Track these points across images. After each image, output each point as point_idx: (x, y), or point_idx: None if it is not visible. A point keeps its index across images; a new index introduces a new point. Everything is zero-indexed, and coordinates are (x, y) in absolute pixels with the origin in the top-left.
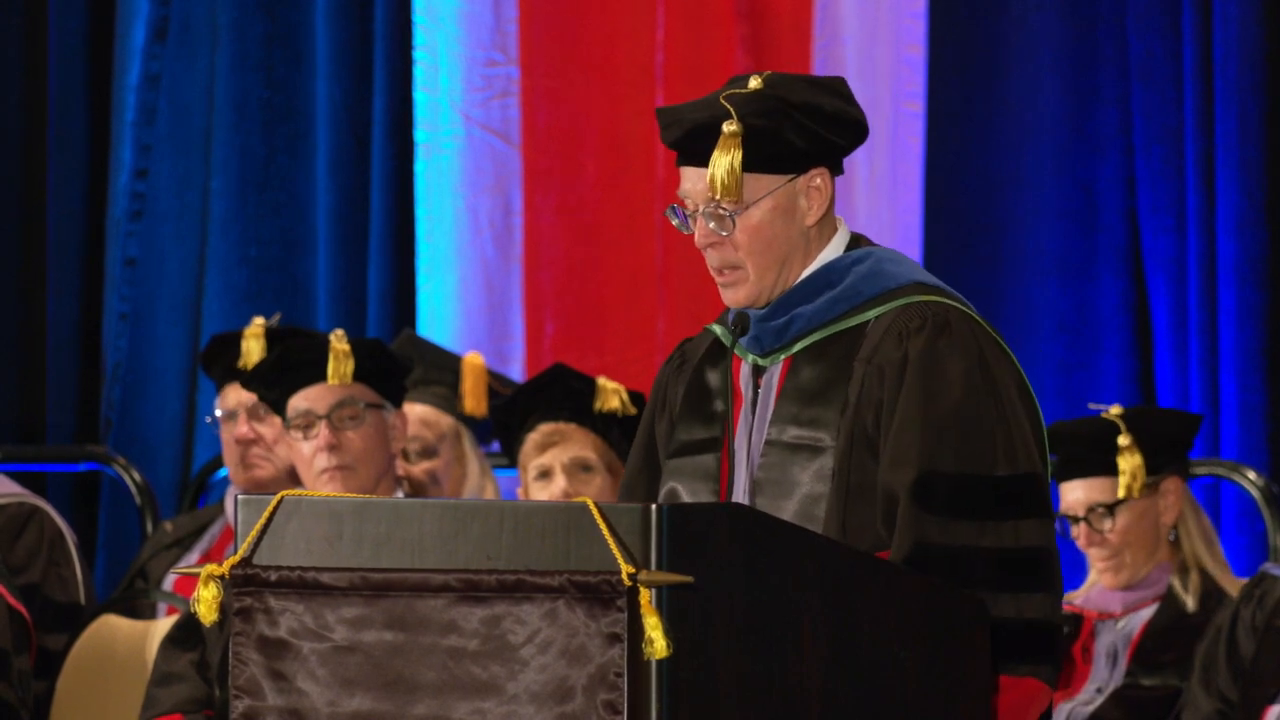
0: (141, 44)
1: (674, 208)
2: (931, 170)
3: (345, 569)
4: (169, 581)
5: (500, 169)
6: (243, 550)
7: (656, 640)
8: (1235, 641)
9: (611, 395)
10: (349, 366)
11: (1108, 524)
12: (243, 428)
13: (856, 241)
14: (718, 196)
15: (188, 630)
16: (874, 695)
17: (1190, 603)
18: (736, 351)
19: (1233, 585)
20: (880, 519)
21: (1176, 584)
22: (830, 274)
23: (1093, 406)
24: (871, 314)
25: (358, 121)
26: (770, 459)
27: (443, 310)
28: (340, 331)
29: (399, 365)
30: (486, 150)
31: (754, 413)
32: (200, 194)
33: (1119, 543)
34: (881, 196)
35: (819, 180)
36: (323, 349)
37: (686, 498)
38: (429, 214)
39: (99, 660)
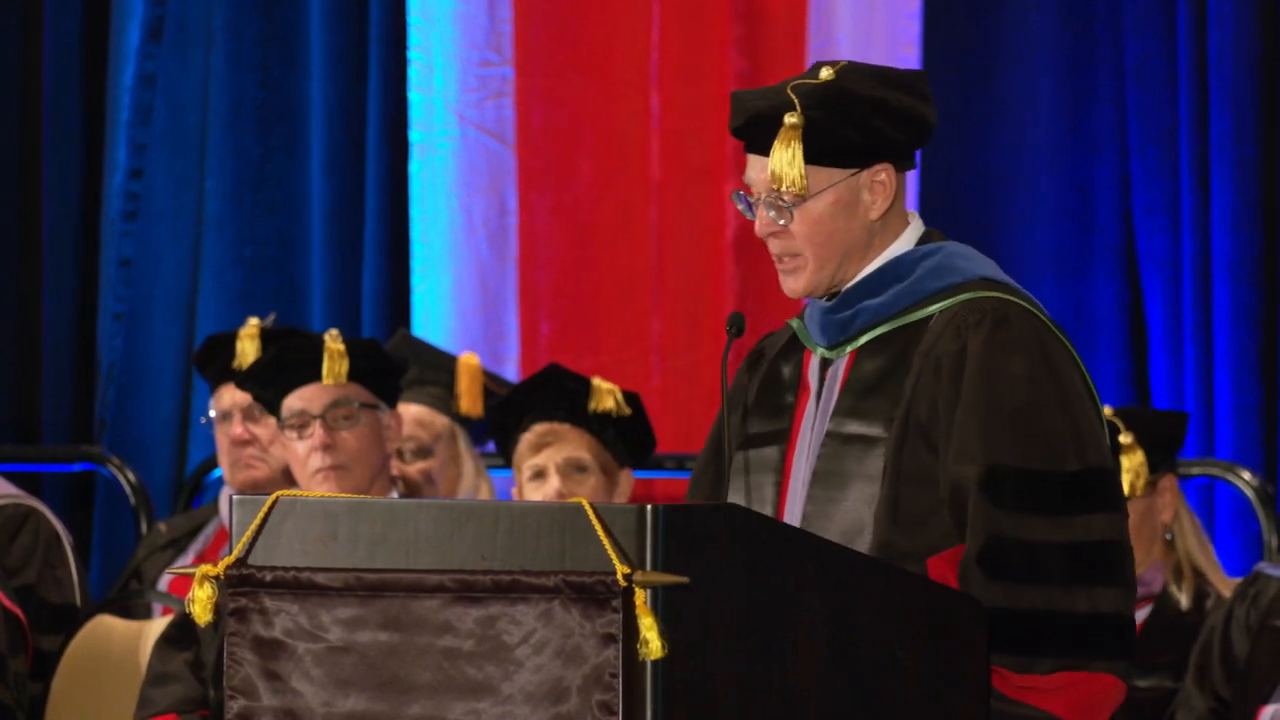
0: (136, 44)
1: (739, 194)
2: (927, 170)
3: (340, 569)
4: (164, 582)
5: (495, 169)
6: (238, 550)
7: (651, 641)
8: (1229, 641)
9: (606, 395)
10: (344, 366)
11: None
12: (238, 428)
13: (929, 236)
14: (778, 188)
15: (183, 630)
16: (873, 696)
17: (1184, 601)
18: (807, 345)
19: (1224, 585)
20: (950, 513)
21: (1171, 584)
22: (898, 268)
23: None
24: (935, 308)
25: (353, 122)
26: (828, 451)
27: (437, 310)
28: (335, 331)
29: (394, 365)
30: (481, 150)
31: (819, 405)
32: (195, 194)
33: None
34: None
35: (883, 175)
36: (318, 349)
37: (748, 490)
38: (424, 214)
39: (94, 661)
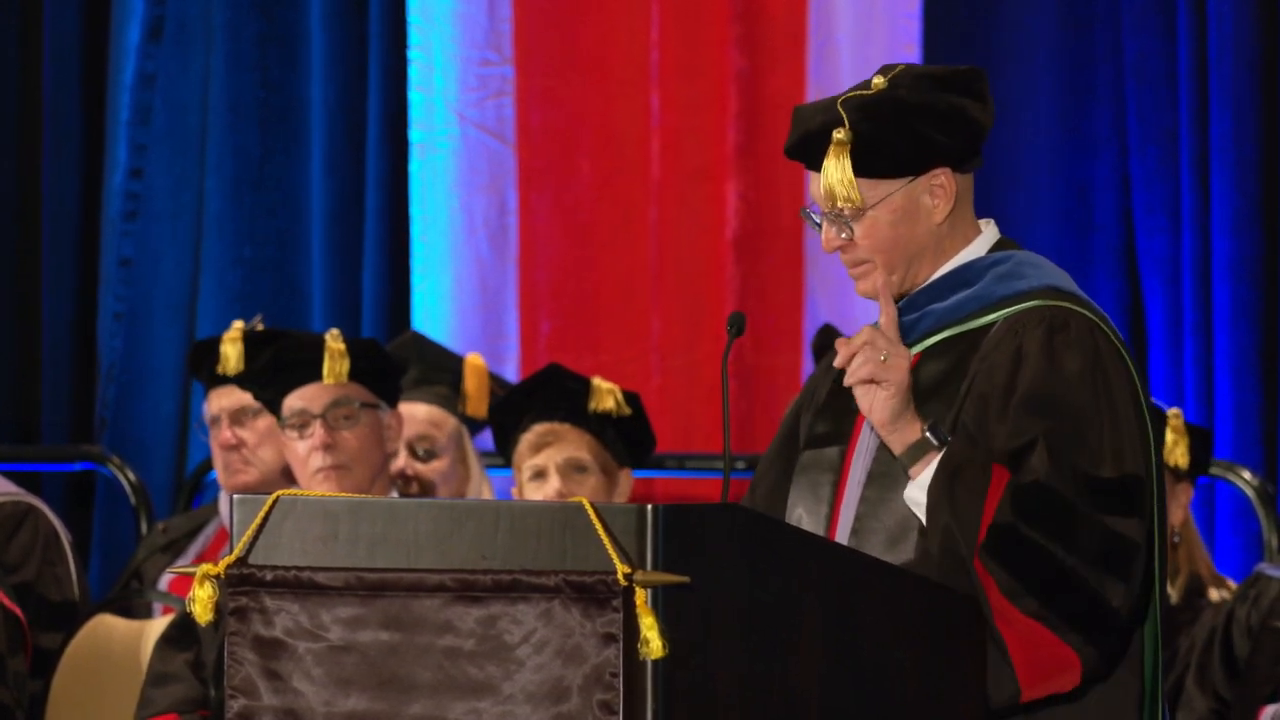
0: (136, 43)
1: (806, 210)
2: None
3: (340, 569)
4: (164, 581)
5: (495, 169)
6: (238, 550)
7: (652, 640)
8: (1230, 641)
9: (606, 395)
10: (344, 366)
11: None
12: (225, 433)
13: (1002, 244)
14: (835, 204)
15: (183, 630)
16: (873, 696)
17: (1174, 596)
18: None
19: (1216, 583)
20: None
21: (1168, 583)
22: (967, 273)
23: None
24: (999, 315)
25: (353, 121)
26: (884, 452)
27: (437, 310)
28: (336, 331)
29: (394, 365)
30: (481, 150)
31: None
32: (195, 194)
33: None
34: None
35: (942, 179)
36: (318, 348)
37: (808, 489)
38: (424, 214)
39: (94, 660)
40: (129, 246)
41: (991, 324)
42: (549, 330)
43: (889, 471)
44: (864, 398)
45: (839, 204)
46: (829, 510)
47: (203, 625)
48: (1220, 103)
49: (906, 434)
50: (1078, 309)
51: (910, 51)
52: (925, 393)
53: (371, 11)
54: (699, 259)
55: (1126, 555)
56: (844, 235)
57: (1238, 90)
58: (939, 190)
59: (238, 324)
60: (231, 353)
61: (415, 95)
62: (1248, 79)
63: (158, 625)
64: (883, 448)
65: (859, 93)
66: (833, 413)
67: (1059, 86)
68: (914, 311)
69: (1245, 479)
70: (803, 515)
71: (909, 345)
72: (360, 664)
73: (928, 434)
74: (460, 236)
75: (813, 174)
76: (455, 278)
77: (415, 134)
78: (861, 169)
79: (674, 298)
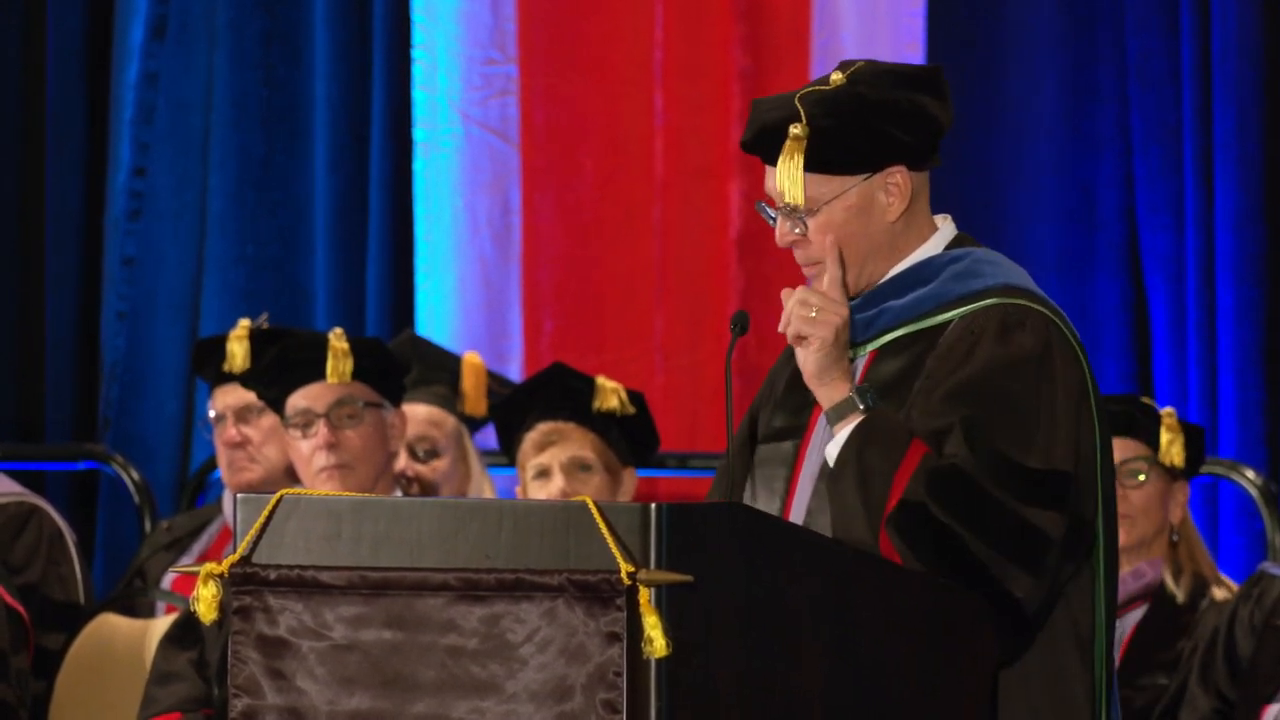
0: (140, 42)
1: (762, 204)
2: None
3: (344, 568)
4: (167, 580)
5: (499, 168)
6: (242, 549)
7: (655, 639)
8: (1233, 641)
9: (610, 394)
10: (348, 365)
11: (1140, 478)
12: (230, 431)
13: (960, 241)
14: (786, 199)
15: (186, 629)
16: (875, 694)
17: (1180, 596)
18: None
19: (1222, 586)
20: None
21: (1169, 581)
22: (924, 271)
23: (1145, 401)
24: (955, 313)
25: (356, 120)
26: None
27: (441, 309)
28: (339, 330)
29: (398, 364)
30: (485, 149)
31: None
32: (199, 193)
33: (1140, 505)
34: None
35: (897, 177)
36: (322, 348)
37: (763, 483)
38: (427, 213)
39: (98, 659)
40: (132, 245)
41: (948, 322)
42: (552, 329)
43: None
44: (799, 355)
45: (786, 199)
46: (781, 505)
47: (206, 624)
48: (1223, 101)
49: (833, 391)
50: (1036, 306)
51: (914, 50)
52: (883, 390)
53: (375, 10)
54: (702, 258)
55: (1038, 548)
56: (797, 230)
57: (1241, 88)
58: (894, 189)
59: (244, 322)
60: (238, 351)
61: (419, 94)
62: (1251, 77)
63: (161, 624)
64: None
65: (818, 88)
66: (790, 406)
67: (1062, 85)
68: (870, 309)
69: (1248, 478)
70: None
71: (865, 343)
72: (364, 663)
73: (853, 394)
74: (464, 235)
75: (769, 168)
76: (459, 277)
77: (419, 133)
78: (817, 164)
79: (677, 297)
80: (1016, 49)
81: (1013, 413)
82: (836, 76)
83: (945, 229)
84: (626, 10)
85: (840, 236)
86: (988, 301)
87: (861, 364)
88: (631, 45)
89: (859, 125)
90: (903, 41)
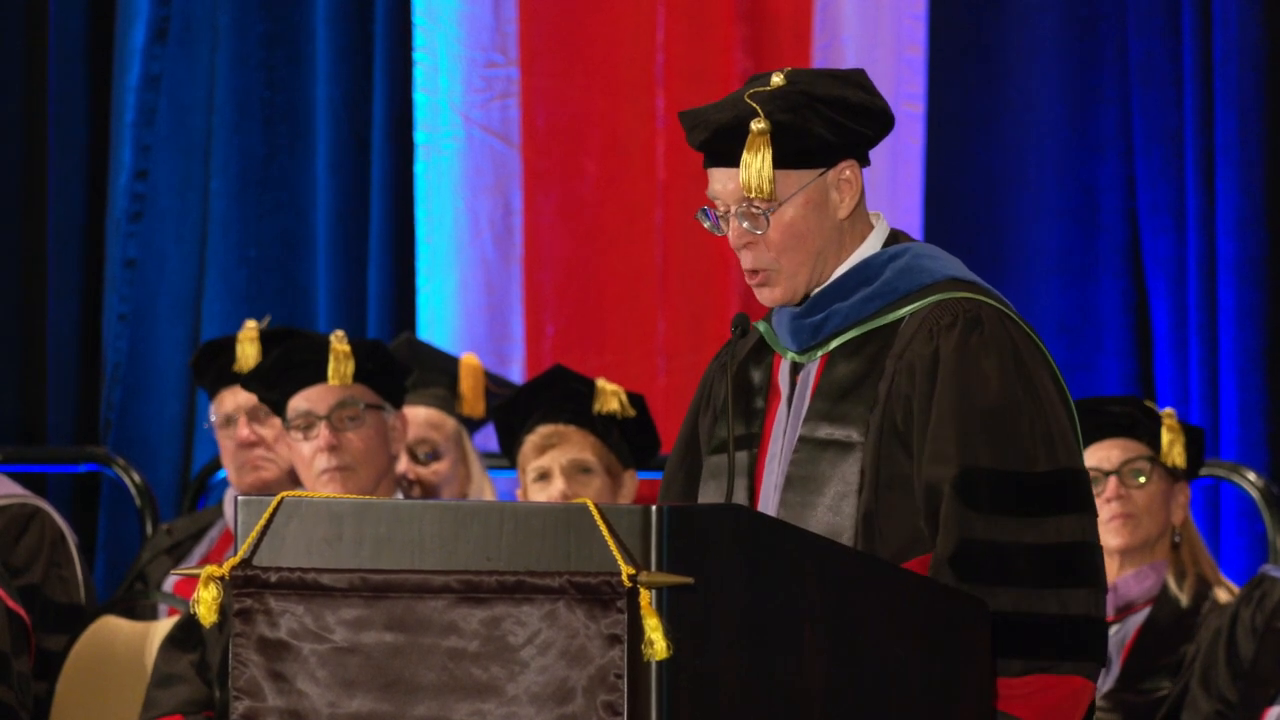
0: (142, 44)
1: (705, 210)
2: (932, 171)
3: (345, 570)
4: (169, 583)
5: (500, 170)
6: (243, 551)
7: (656, 641)
8: (1235, 643)
9: (611, 397)
10: (349, 367)
11: (1141, 479)
12: (244, 430)
13: (895, 238)
14: (752, 196)
15: (188, 631)
16: (875, 695)
17: (1184, 599)
18: (776, 349)
19: (1223, 587)
20: (923, 516)
21: (1172, 584)
22: (867, 270)
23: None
24: (905, 310)
25: (358, 122)
26: (802, 455)
27: (442, 311)
28: (341, 332)
29: (399, 366)
30: (486, 151)
31: (790, 410)
32: (200, 195)
33: (1143, 504)
34: (882, 197)
35: (848, 172)
36: (323, 350)
37: (717, 495)
38: (429, 215)
39: (99, 661)
40: (134, 247)
41: (900, 320)
42: (554, 331)
43: (812, 475)
44: None
45: (753, 194)
46: None
47: (207, 627)
48: (1225, 103)
49: None
50: (985, 300)
51: (915, 53)
52: (839, 394)
53: (377, 12)
54: (704, 260)
55: (1076, 558)
56: (758, 230)
57: (1242, 91)
58: (845, 185)
59: (251, 323)
60: (250, 351)
61: (420, 96)
62: (1252, 80)
63: (162, 627)
64: (801, 450)
65: (762, 88)
66: (739, 415)
67: (1064, 87)
68: (818, 312)
69: (1250, 480)
70: None
71: (816, 347)
72: (365, 665)
73: None
74: (465, 238)
75: (714, 171)
76: (460, 279)
77: (420, 135)
78: (780, 160)
79: (679, 299)
80: (1018, 52)
81: (1005, 430)
82: (777, 79)
83: (880, 226)
84: (628, 13)
85: (797, 235)
86: (936, 297)
87: (814, 369)
88: (633, 48)
89: (817, 118)
90: (904, 44)
